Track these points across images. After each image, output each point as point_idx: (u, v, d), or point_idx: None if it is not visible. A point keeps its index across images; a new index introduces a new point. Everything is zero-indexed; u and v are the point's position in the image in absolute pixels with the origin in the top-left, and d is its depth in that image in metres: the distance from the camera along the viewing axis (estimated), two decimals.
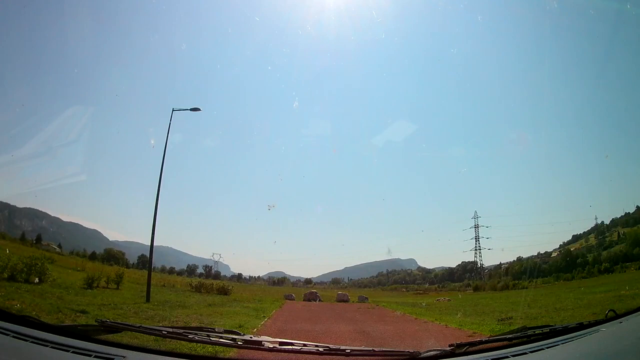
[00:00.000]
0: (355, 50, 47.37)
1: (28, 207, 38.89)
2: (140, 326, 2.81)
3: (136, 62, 48.55)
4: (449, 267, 47.78)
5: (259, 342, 2.46)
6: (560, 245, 41.22)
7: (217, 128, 64.57)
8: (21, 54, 35.12)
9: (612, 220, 38.66)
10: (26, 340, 2.24)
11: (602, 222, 39.18)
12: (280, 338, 2.49)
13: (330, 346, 2.46)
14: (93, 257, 34.71)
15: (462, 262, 45.66)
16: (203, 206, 69.33)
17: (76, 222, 44.61)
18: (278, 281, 45.41)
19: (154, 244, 18.60)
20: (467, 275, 44.57)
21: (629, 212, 37.28)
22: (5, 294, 11.01)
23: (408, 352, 2.44)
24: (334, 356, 2.45)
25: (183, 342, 3.83)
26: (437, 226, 70.36)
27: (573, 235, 41.46)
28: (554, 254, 40.61)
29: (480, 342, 2.66)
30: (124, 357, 2.22)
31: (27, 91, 36.22)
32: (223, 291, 24.26)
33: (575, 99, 45.32)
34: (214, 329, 2.77)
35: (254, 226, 70.28)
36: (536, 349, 2.50)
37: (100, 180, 59.50)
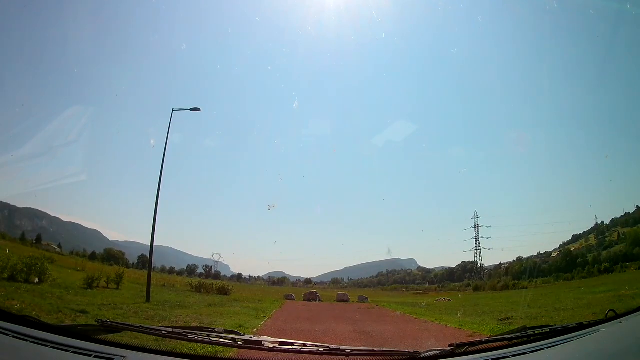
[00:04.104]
0: (355, 50, 47.21)
1: (28, 207, 38.83)
2: (140, 326, 2.81)
3: (136, 62, 48.42)
4: (449, 267, 47.71)
5: (259, 342, 2.46)
6: (560, 245, 41.17)
7: (217, 128, 64.37)
8: (21, 53, 35.06)
9: (612, 220, 38.59)
10: (26, 340, 2.24)
11: (602, 222, 39.12)
12: (280, 338, 2.49)
13: (330, 346, 2.46)
14: (93, 257, 34.65)
15: (462, 262, 45.61)
16: (203, 206, 69.07)
17: (76, 222, 44.51)
18: (278, 281, 45.37)
19: (154, 244, 18.62)
20: (467, 275, 44.51)
21: (629, 212, 37.22)
22: (5, 294, 11.01)
23: (408, 352, 2.44)
24: (334, 356, 2.45)
25: (183, 342, 3.83)
26: (437, 226, 70.12)
27: (573, 235, 41.40)
28: (554, 254, 40.57)
29: (480, 342, 2.66)
30: (124, 357, 2.22)
31: (27, 91, 36.11)
32: (223, 291, 24.23)
33: (575, 99, 45.25)
34: (214, 329, 2.77)
35: (254, 226, 69.98)
36: (536, 349, 2.50)
37: (100, 180, 59.15)
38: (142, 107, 54.11)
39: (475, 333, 10.08)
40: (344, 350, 2.40)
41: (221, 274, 42.14)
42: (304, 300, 27.17)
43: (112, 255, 36.05)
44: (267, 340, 2.46)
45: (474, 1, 34.31)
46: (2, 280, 12.91)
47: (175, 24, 45.54)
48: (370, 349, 2.48)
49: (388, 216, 61.93)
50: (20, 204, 38.29)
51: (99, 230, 46.28)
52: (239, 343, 2.51)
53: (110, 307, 12.35)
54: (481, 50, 43.81)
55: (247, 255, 67.27)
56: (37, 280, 13.80)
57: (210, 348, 4.44)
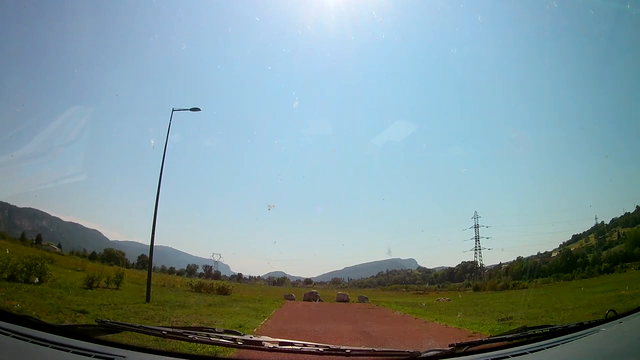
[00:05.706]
0: (355, 50, 47.42)
1: (28, 207, 38.91)
2: (140, 326, 2.81)
3: (136, 62, 48.60)
4: (449, 267, 47.75)
5: (259, 342, 2.45)
6: (560, 245, 41.19)
7: (217, 128, 64.58)
8: (21, 53, 35.12)
9: (612, 220, 38.64)
10: (26, 340, 2.24)
11: (602, 222, 39.17)
12: (280, 338, 2.49)
13: (330, 346, 2.45)
14: (93, 257, 34.68)
15: (462, 262, 45.64)
16: (203, 206, 69.22)
17: (76, 222, 44.65)
18: (278, 281, 45.37)
19: (154, 244, 18.64)
20: (467, 275, 44.51)
21: (629, 212, 37.27)
22: (5, 294, 11.00)
23: (408, 352, 2.44)
24: (334, 356, 2.45)
25: (183, 342, 3.82)
26: (437, 226, 70.39)
27: (573, 235, 41.44)
28: (554, 254, 40.57)
29: (480, 342, 2.66)
30: (124, 357, 2.22)
31: (27, 91, 36.21)
32: (223, 291, 24.25)
33: (575, 99, 45.37)
34: (214, 329, 2.77)
35: (254, 226, 70.30)
36: (536, 349, 2.50)
37: (100, 180, 59.54)
38: (142, 107, 54.41)
39: (475, 333, 10.08)
40: (344, 350, 2.39)
41: (221, 274, 42.21)
42: (303, 300, 27.16)
43: (112, 255, 36.06)
44: (267, 340, 2.46)
45: (474, 1, 34.38)
46: (2, 280, 12.91)
47: (175, 24, 45.72)
48: (370, 349, 2.48)
49: (388, 216, 62.20)
50: (20, 204, 38.42)
51: (99, 230, 46.46)
52: (239, 343, 2.51)
53: (110, 307, 12.34)
54: (481, 50, 43.88)
55: (247, 255, 67.49)
56: (37, 280, 13.80)
57: (210, 348, 4.43)
